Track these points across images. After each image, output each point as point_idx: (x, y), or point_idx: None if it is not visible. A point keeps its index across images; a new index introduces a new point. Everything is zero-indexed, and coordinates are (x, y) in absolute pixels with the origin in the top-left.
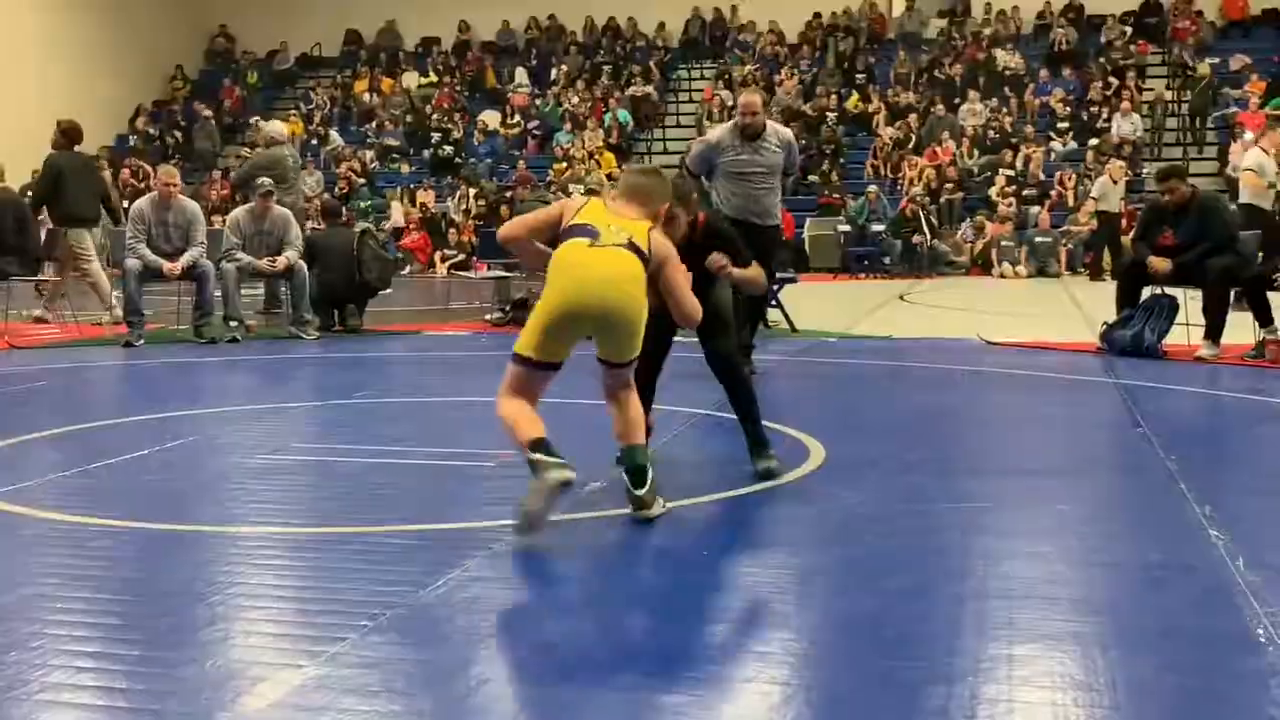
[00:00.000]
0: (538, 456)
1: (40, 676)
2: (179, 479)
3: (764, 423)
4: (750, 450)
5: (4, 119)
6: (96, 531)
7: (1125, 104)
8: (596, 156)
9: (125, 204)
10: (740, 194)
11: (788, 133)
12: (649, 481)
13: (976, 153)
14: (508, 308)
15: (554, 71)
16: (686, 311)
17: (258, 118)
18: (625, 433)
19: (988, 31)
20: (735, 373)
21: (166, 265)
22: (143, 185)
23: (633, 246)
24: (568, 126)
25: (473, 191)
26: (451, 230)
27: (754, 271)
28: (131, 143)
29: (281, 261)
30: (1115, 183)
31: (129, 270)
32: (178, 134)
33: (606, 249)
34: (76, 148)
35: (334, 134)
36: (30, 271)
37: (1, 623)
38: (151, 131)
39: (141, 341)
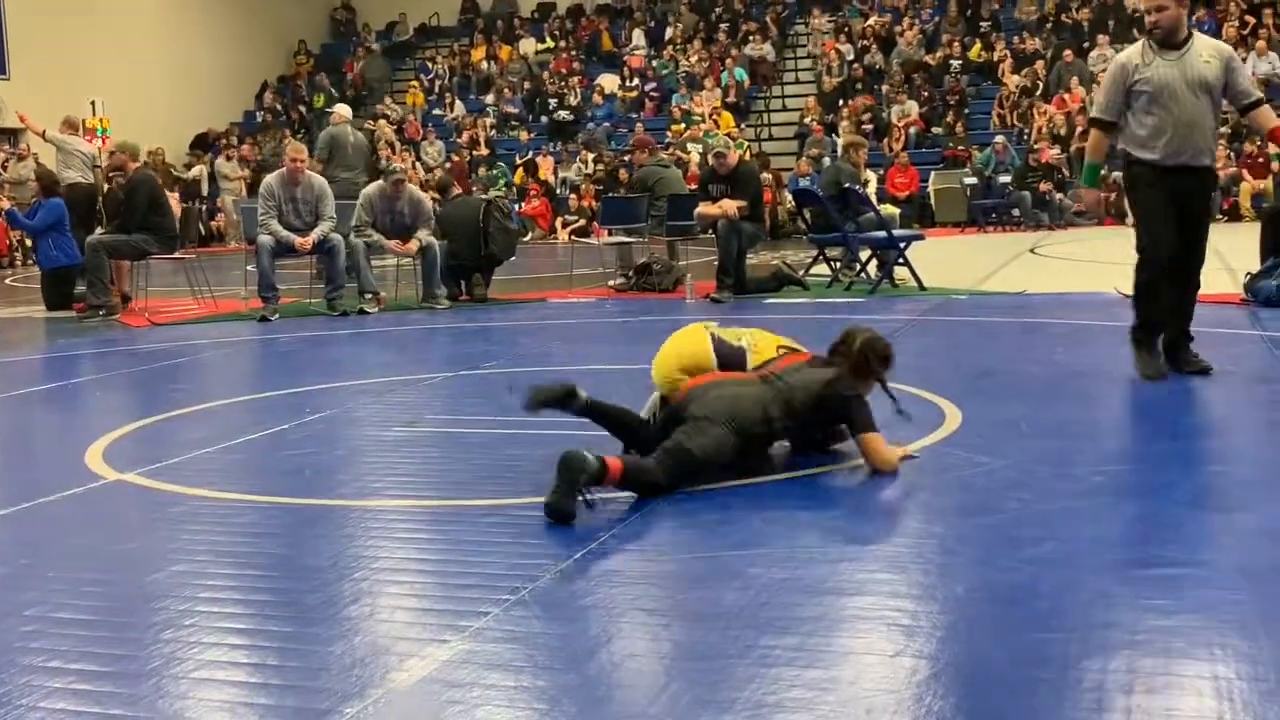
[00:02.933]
0: None
1: (195, 654)
2: (319, 453)
3: (896, 387)
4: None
5: (126, 102)
6: (242, 507)
7: (1261, 43)
8: (715, 116)
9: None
10: (1164, 125)
11: (1225, 46)
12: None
13: None
14: (631, 273)
15: (669, 31)
16: None
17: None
18: None
19: None
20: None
21: (298, 240)
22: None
23: None
24: (683, 89)
25: (591, 157)
26: (572, 196)
27: None
28: (259, 119)
29: (413, 246)
30: None
31: (261, 246)
32: (303, 108)
33: None
34: None
35: (458, 104)
36: (167, 250)
37: (155, 601)
38: (278, 106)
39: (276, 316)
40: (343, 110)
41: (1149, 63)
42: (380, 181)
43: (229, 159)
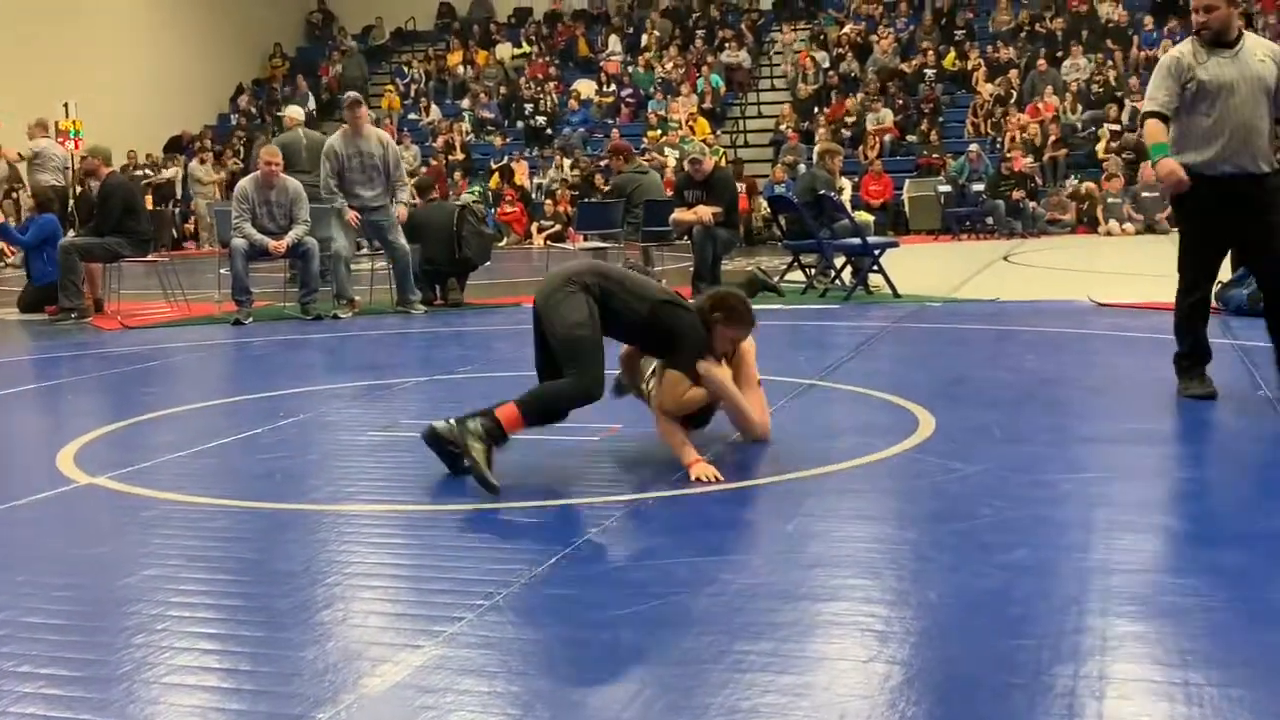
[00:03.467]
0: None
1: (167, 659)
2: (292, 457)
3: (870, 393)
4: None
5: (99, 104)
6: (214, 511)
7: None
8: (690, 123)
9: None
10: (1222, 126)
11: (1276, 47)
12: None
13: (1080, 108)
14: None
15: (645, 37)
16: None
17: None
18: None
19: None
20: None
21: (271, 243)
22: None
23: None
24: (659, 96)
25: (568, 162)
26: (548, 201)
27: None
28: (233, 121)
29: (402, 212)
30: None
31: (235, 249)
32: (277, 111)
33: None
34: None
35: (434, 108)
36: (140, 253)
37: (127, 605)
38: (252, 110)
39: (250, 319)
40: (294, 113)
41: (1203, 61)
42: (341, 129)
43: (203, 162)
